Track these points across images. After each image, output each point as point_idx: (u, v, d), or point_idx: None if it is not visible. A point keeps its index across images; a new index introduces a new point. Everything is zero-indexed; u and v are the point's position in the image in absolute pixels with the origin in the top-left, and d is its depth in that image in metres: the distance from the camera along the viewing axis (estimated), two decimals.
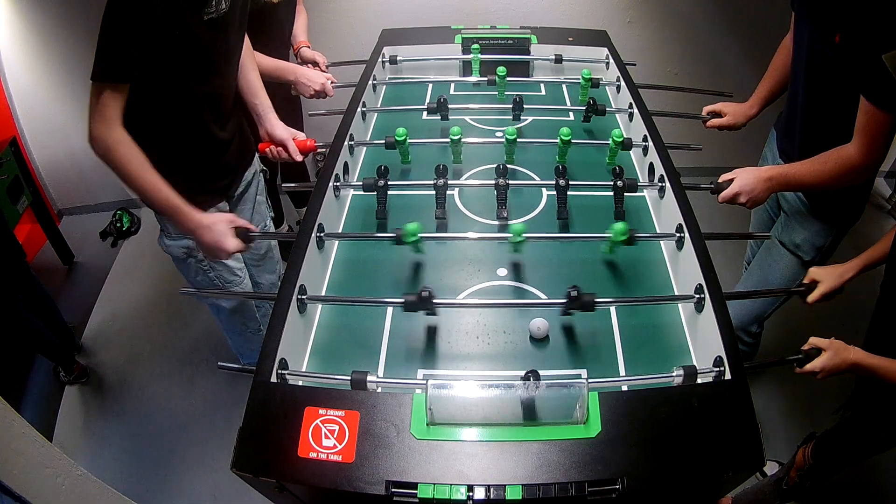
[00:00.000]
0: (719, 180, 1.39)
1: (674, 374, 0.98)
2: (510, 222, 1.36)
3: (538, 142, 1.62)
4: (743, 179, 1.35)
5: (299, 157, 1.63)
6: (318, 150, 1.68)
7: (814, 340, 1.11)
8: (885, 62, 1.04)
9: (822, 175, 1.31)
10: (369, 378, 0.95)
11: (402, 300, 1.06)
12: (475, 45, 1.89)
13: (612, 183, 1.36)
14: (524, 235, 1.18)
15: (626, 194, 1.43)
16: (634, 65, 1.99)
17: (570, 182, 1.35)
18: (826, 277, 1.26)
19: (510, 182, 1.36)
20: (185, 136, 1.41)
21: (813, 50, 1.35)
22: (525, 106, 1.67)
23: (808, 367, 1.10)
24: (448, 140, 1.48)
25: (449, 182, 1.46)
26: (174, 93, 1.32)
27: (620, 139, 1.47)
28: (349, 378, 0.97)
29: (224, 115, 1.49)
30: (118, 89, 1.20)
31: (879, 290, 1.24)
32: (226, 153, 1.54)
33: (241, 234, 1.33)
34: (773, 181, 1.35)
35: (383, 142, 1.51)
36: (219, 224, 1.31)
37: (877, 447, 1.40)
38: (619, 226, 1.18)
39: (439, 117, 1.67)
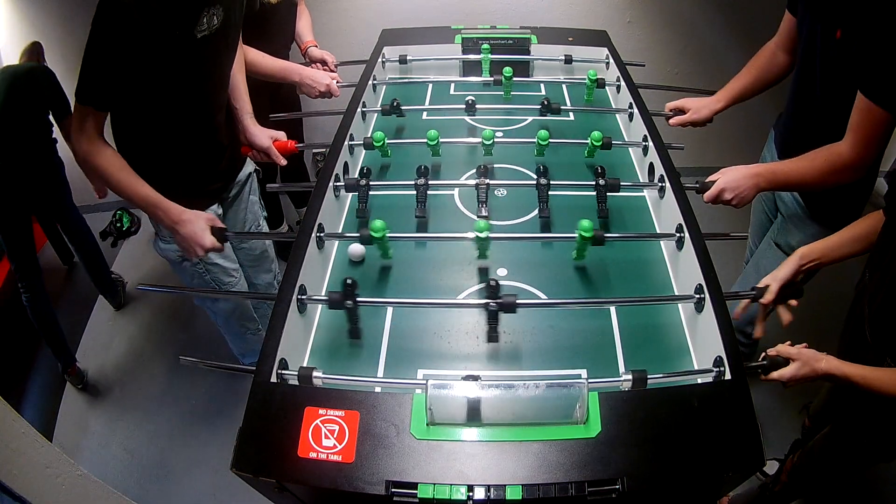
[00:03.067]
0: (706, 180, 1.37)
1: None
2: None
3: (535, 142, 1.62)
4: (727, 176, 1.33)
5: (283, 162, 1.62)
6: (318, 150, 1.68)
7: (781, 349, 1.04)
8: None
9: (811, 172, 1.28)
10: (315, 374, 0.96)
11: (327, 297, 1.08)
12: (485, 46, 1.89)
13: (594, 182, 1.36)
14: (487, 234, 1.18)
15: (624, 194, 1.44)
16: (643, 65, 1.99)
17: (565, 182, 1.36)
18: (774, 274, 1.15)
19: (490, 182, 1.36)
20: (180, 144, 1.41)
21: (814, 46, 1.33)
22: (525, 106, 1.67)
23: (774, 375, 1.03)
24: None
25: (448, 182, 1.48)
26: (169, 106, 1.33)
27: (599, 142, 1.47)
28: (349, 378, 0.98)
29: (218, 124, 1.49)
30: (97, 111, 1.23)
31: (854, 291, 1.22)
32: (221, 159, 1.54)
33: (217, 233, 1.36)
34: (760, 177, 1.32)
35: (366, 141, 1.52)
36: (198, 220, 1.34)
37: (857, 467, 1.36)
38: (585, 223, 1.16)
39: (443, 117, 1.67)
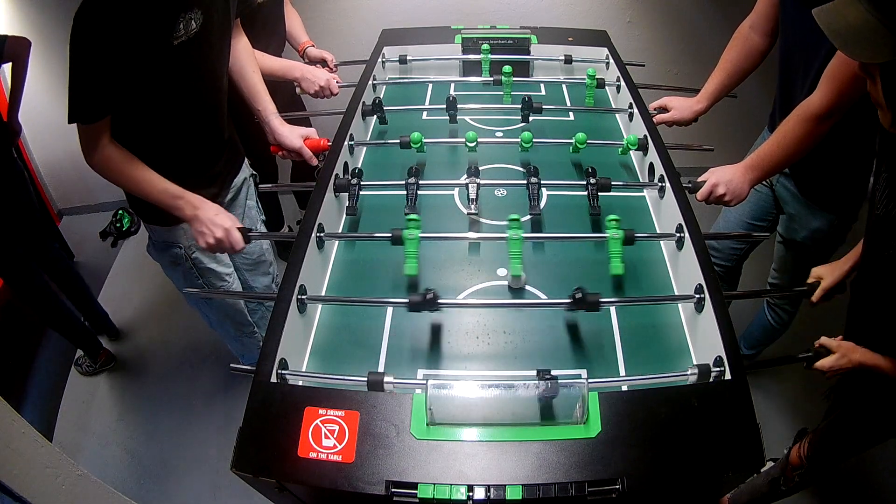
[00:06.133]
0: (698, 180, 1.37)
1: (689, 372, 0.98)
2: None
3: (539, 142, 1.62)
4: (718, 173, 1.34)
5: (315, 161, 1.59)
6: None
7: (824, 341, 1.13)
8: None
9: (787, 137, 1.28)
10: (386, 379, 0.95)
11: (407, 300, 1.07)
12: (485, 46, 1.89)
13: (590, 182, 1.36)
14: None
15: (623, 194, 1.45)
16: (643, 65, 1.99)
17: (558, 182, 1.40)
18: (828, 274, 1.25)
19: (480, 182, 1.37)
20: (172, 149, 1.41)
21: (804, 25, 1.29)
22: None
23: (818, 365, 1.12)
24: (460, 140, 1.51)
25: (448, 182, 1.48)
26: (158, 113, 1.32)
27: (636, 144, 1.49)
28: (349, 378, 0.98)
29: (213, 127, 1.48)
30: (94, 125, 1.24)
31: (850, 289, 1.25)
32: (216, 163, 1.53)
33: (242, 232, 1.36)
34: (749, 169, 1.33)
35: (383, 142, 1.52)
36: (221, 209, 1.36)
37: (870, 441, 1.40)
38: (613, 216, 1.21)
39: (443, 117, 1.67)
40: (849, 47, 0.85)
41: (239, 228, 1.35)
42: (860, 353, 1.09)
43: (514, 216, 1.20)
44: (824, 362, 1.11)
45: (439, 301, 1.07)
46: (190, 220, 1.35)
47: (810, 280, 1.28)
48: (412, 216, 1.21)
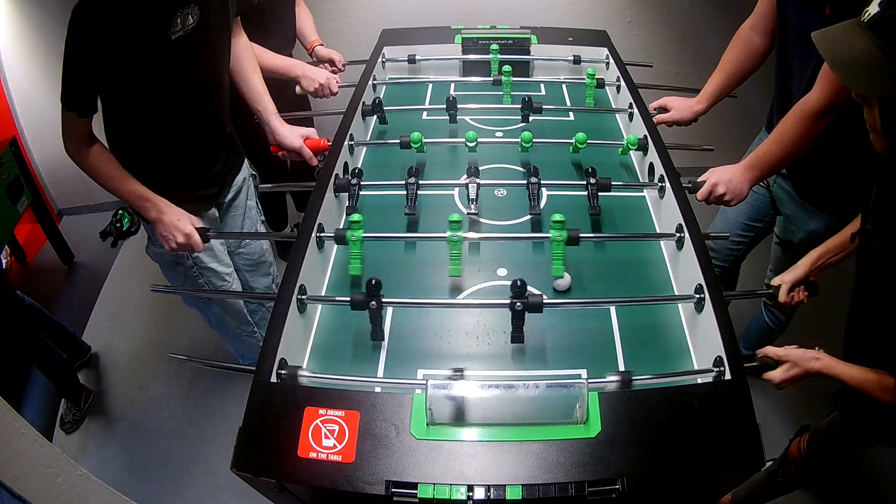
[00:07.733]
0: (697, 180, 1.37)
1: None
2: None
3: (539, 142, 1.62)
4: (718, 173, 1.34)
5: (315, 162, 1.60)
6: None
7: (768, 351, 1.06)
8: None
9: (786, 135, 1.28)
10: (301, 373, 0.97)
11: (349, 298, 1.07)
12: (494, 46, 1.89)
13: (590, 182, 1.37)
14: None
15: (623, 194, 1.45)
16: (651, 65, 1.99)
17: (558, 182, 1.41)
18: (787, 273, 1.22)
19: (480, 182, 1.37)
20: (171, 146, 1.41)
21: (803, 27, 1.31)
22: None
23: (766, 376, 1.06)
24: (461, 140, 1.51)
25: (448, 182, 1.48)
26: (155, 108, 1.32)
27: (636, 144, 1.50)
28: (349, 378, 0.98)
29: (211, 126, 1.48)
30: (79, 117, 1.25)
31: (853, 293, 1.23)
32: (215, 162, 1.53)
33: (199, 232, 1.38)
34: (749, 169, 1.33)
35: (383, 142, 1.51)
36: (182, 212, 1.37)
37: (869, 441, 1.40)
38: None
39: (443, 117, 1.67)
40: (852, 79, 0.84)
41: (198, 229, 1.37)
42: (818, 361, 1.02)
43: (557, 216, 1.18)
44: (773, 374, 1.04)
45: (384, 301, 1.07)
46: (154, 223, 1.37)
47: (774, 285, 1.24)
48: (454, 217, 1.19)
